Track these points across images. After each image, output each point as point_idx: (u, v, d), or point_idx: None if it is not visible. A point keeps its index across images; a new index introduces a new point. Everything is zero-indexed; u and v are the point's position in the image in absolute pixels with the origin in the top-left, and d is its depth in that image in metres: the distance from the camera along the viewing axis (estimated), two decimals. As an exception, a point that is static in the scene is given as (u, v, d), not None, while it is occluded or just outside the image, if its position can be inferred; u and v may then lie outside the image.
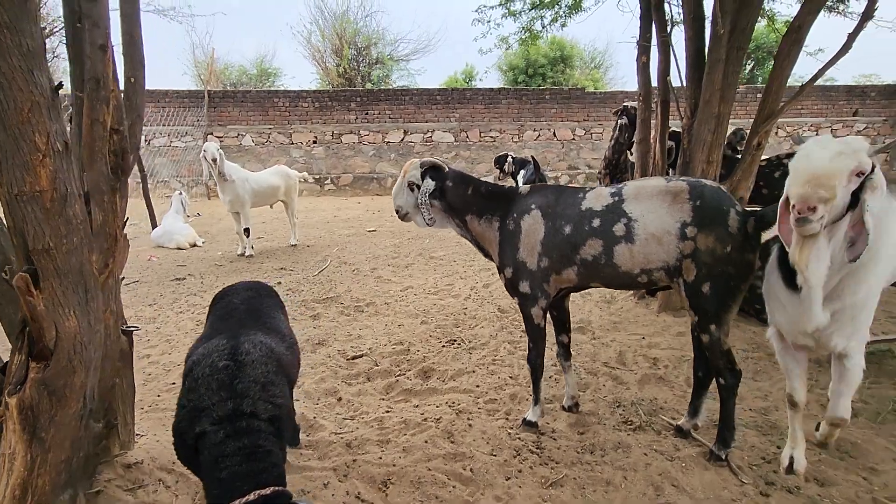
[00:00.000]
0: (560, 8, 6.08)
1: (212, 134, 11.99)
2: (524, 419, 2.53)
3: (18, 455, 1.49)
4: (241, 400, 1.38)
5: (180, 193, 8.24)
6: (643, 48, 4.70)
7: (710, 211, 2.05)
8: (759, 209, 2.16)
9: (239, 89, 14.43)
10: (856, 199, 1.68)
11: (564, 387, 2.73)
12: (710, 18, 3.71)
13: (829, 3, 4.17)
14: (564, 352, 2.66)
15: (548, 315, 2.47)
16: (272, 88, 15.48)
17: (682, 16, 3.99)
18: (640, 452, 2.28)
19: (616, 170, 5.28)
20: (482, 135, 12.63)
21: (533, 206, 2.35)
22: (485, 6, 5.38)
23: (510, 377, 3.10)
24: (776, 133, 13.04)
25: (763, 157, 5.44)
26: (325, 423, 2.61)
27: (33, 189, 1.41)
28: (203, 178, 7.47)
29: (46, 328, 1.48)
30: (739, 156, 4.63)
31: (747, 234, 2.05)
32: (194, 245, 7.60)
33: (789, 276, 1.84)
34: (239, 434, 1.33)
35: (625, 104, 5.13)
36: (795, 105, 13.19)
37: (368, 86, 18.41)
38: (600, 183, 5.52)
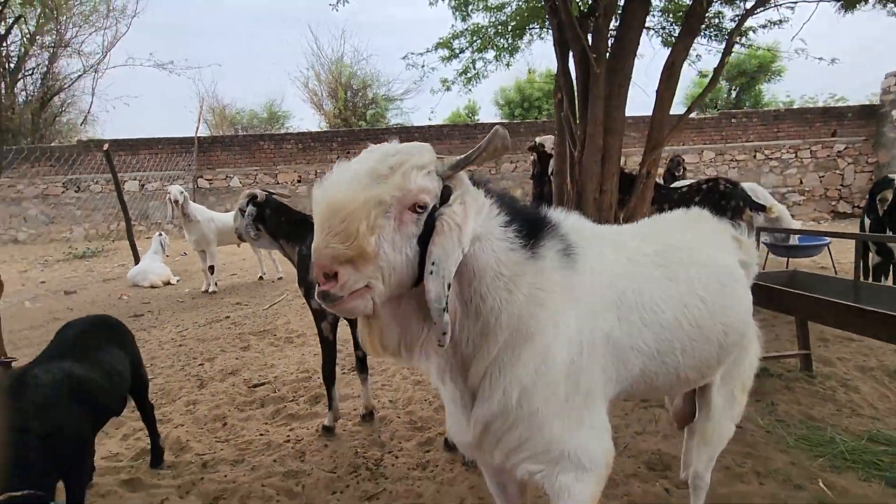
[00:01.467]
0: (498, 51, 6.44)
1: (202, 177, 12.63)
2: (323, 425, 2.85)
3: None
4: (14, 416, 1.61)
5: (160, 234, 8.71)
6: (558, 86, 5.01)
7: None
8: None
9: (226, 134, 15.19)
10: None
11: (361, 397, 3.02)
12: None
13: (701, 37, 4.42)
14: (361, 365, 3.00)
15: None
16: (261, 133, 16.25)
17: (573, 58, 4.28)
18: (463, 468, 2.42)
19: (541, 200, 5.51)
20: (459, 168, 13.01)
21: None
22: (412, 52, 5.77)
23: (389, 401, 3.27)
24: (754, 156, 13.13)
25: (688, 183, 5.62)
26: (196, 445, 2.80)
27: None
28: (167, 218, 7.94)
29: None
30: (677, 180, 4.84)
31: None
32: (168, 283, 7.99)
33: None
34: (5, 445, 1.56)
35: (534, 140, 5.40)
36: (772, 129, 13.34)
37: (363, 125, 19.13)
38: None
